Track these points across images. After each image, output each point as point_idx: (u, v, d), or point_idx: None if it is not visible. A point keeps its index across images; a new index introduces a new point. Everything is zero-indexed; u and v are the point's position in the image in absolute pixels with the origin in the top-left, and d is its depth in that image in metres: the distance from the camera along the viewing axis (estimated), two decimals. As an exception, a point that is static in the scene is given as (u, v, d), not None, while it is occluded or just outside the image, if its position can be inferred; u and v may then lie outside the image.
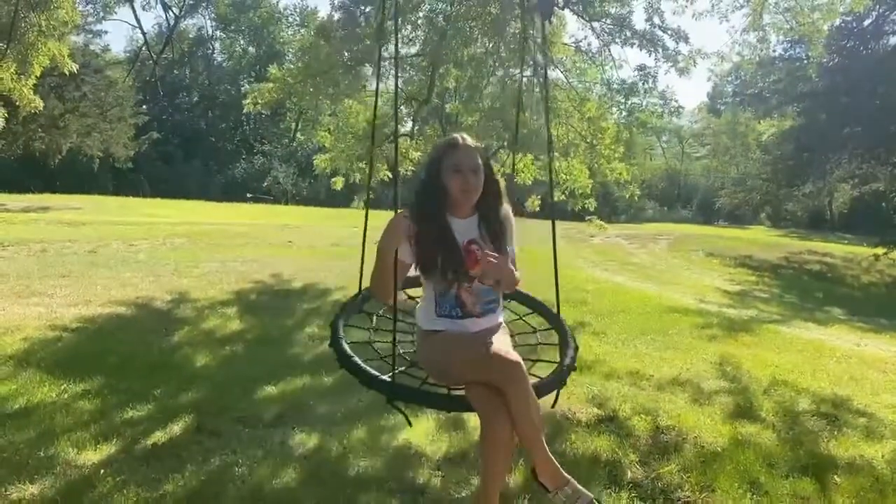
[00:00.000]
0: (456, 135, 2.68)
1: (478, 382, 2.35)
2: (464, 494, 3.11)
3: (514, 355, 2.37)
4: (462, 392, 2.43)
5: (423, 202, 2.62)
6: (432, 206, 2.61)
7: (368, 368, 2.46)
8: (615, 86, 9.96)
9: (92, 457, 3.31)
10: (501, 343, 2.52)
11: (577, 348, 2.71)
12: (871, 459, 3.79)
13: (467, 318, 2.61)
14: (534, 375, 2.58)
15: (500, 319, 2.76)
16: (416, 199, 2.63)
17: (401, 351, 2.76)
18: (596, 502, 2.26)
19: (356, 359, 2.49)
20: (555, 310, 2.98)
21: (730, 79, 40.74)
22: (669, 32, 9.04)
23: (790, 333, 7.90)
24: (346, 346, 2.55)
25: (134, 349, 5.40)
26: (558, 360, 2.69)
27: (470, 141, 2.65)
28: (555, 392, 2.59)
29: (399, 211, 2.53)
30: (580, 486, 2.28)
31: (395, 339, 2.54)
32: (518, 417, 2.26)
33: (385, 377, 2.42)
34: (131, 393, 4.25)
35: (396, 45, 3.17)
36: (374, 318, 2.99)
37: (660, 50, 9.01)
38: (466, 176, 2.56)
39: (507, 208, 2.73)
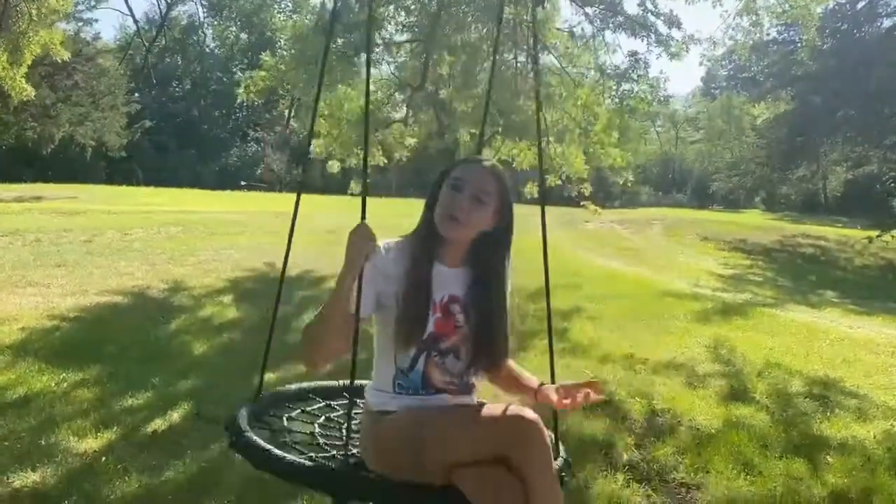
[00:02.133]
0: (482, 157, 2.19)
1: (471, 463, 1.65)
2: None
3: (531, 412, 1.67)
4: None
5: (413, 235, 1.97)
6: (417, 242, 1.94)
7: (297, 459, 1.73)
8: (609, 71, 9.91)
9: (92, 444, 3.34)
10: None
11: (569, 464, 1.99)
12: (862, 439, 3.85)
13: (438, 394, 1.91)
14: None
15: (476, 400, 2.01)
16: (413, 235, 1.98)
17: (321, 442, 1.99)
18: None
19: (277, 451, 1.75)
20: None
21: (724, 62, 40.64)
22: (662, 18, 9.01)
23: (784, 316, 7.96)
24: (253, 438, 1.84)
25: (131, 338, 5.41)
26: None
27: (495, 167, 1.97)
28: None
29: (363, 222, 1.83)
30: None
31: (350, 406, 1.83)
32: (542, 492, 1.61)
33: (329, 465, 1.78)
34: (130, 381, 4.27)
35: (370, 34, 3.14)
36: (284, 413, 2.20)
37: (652, 35, 8.98)
38: (462, 198, 1.85)
39: (507, 272, 1.99)
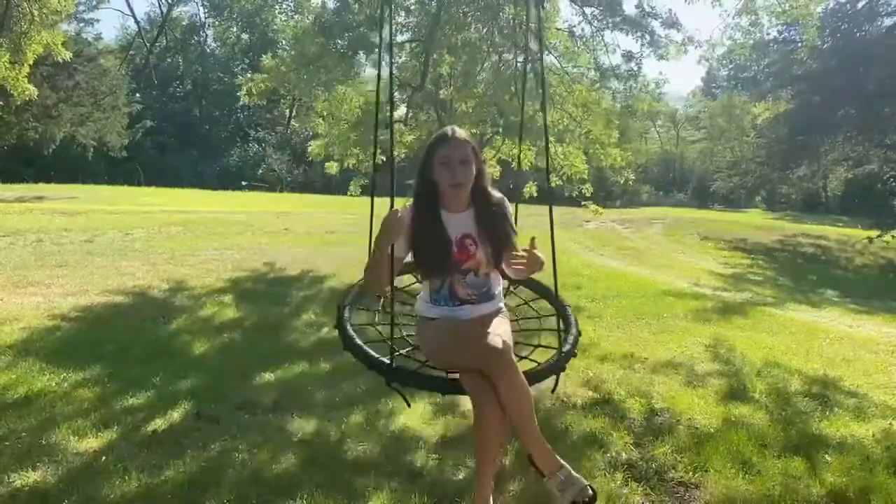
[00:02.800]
0: (447, 128, 2.69)
1: (469, 369, 2.38)
2: (461, 477, 3.16)
3: (500, 342, 2.38)
4: (458, 376, 2.46)
5: (417, 199, 2.65)
6: (424, 202, 2.63)
7: (369, 351, 2.48)
8: (608, 71, 9.93)
9: (93, 444, 3.35)
10: (494, 330, 2.53)
11: (578, 334, 2.71)
12: (861, 438, 3.85)
13: (464, 304, 2.65)
14: (533, 360, 2.62)
15: (500, 305, 2.77)
16: (413, 197, 2.66)
17: (404, 334, 2.83)
18: (589, 489, 2.23)
19: (358, 341, 2.53)
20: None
21: (724, 62, 40.61)
22: (660, 19, 9.02)
23: (784, 316, 7.96)
24: (350, 329, 2.59)
25: (132, 337, 5.43)
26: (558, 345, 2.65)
27: (460, 133, 2.64)
28: (555, 377, 2.55)
29: (395, 209, 2.49)
30: (574, 473, 2.28)
31: (392, 323, 2.55)
32: (507, 404, 2.28)
33: (384, 359, 2.44)
34: (130, 380, 4.28)
35: (391, 29, 3.14)
36: (382, 300, 2.92)
37: (647, 36, 9.00)
38: (454, 169, 2.55)
39: (499, 195, 2.72)
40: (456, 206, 2.64)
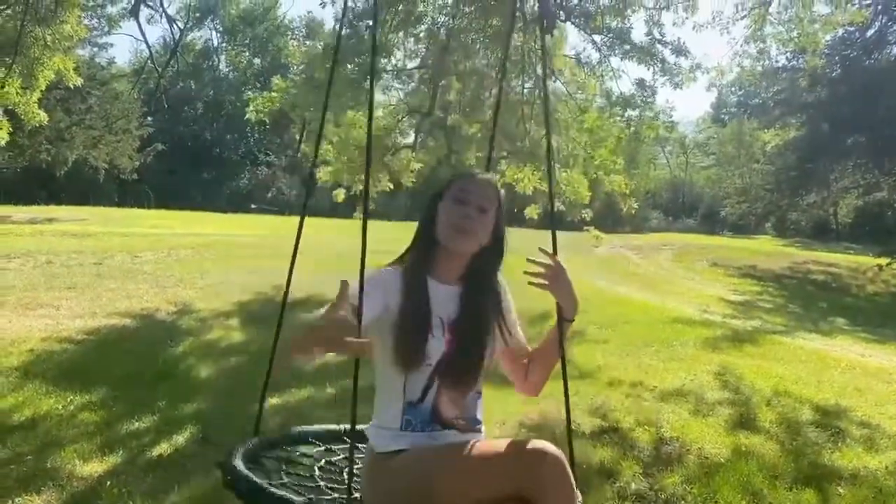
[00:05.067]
0: (477, 170, 2.24)
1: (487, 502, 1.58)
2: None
3: (553, 448, 1.61)
4: None
5: (410, 253, 1.97)
6: (413, 259, 1.93)
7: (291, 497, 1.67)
8: (614, 98, 9.99)
9: (97, 467, 3.33)
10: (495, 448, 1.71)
11: None
12: (874, 470, 3.79)
13: (445, 430, 1.82)
14: None
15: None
16: (409, 256, 1.97)
17: (321, 484, 1.90)
18: None
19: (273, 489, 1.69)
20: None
21: (733, 89, 40.80)
22: (670, 47, 9.09)
23: (794, 344, 7.89)
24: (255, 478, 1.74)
25: (139, 360, 5.42)
26: None
27: (491, 179, 2.00)
28: None
29: (343, 280, 1.76)
30: None
31: (352, 447, 1.73)
32: None
33: None
34: (136, 404, 4.27)
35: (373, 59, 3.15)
36: (282, 454, 2.09)
37: (658, 64, 9.05)
38: (469, 209, 1.85)
39: (503, 281, 2.01)
40: (447, 271, 1.90)
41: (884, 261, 18.04)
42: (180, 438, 3.77)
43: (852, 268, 19.45)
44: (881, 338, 9.44)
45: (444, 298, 1.86)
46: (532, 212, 10.82)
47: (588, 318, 8.32)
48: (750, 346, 7.36)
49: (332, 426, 2.26)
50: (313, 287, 9.67)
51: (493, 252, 1.92)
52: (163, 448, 3.64)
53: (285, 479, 1.86)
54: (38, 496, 3.00)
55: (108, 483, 3.16)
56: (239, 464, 1.79)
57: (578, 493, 1.67)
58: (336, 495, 1.81)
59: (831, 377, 6.13)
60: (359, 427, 1.82)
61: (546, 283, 1.88)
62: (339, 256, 13.96)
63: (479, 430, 1.90)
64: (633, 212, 11.29)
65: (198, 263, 11.54)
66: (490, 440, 1.82)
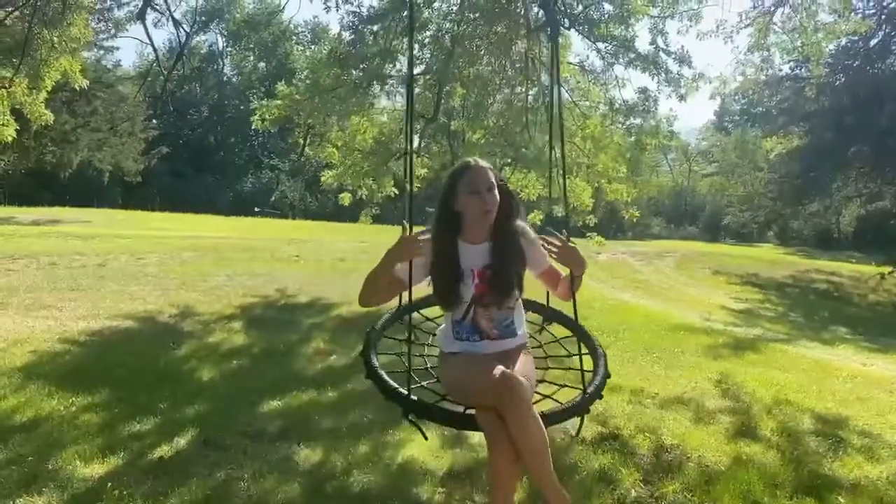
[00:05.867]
0: (467, 159, 2.74)
1: (485, 405, 2.34)
2: (466, 511, 3.12)
3: (514, 377, 2.32)
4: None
5: (436, 229, 2.65)
6: (443, 232, 2.64)
7: (390, 381, 2.46)
8: (617, 106, 10.01)
9: (98, 469, 3.34)
10: (513, 365, 2.50)
11: (607, 375, 2.66)
12: (875, 480, 3.78)
13: (484, 340, 2.65)
14: (555, 400, 2.58)
15: (523, 341, 2.77)
16: (433, 225, 2.67)
17: (428, 365, 2.87)
18: None
19: (380, 371, 2.51)
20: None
21: (737, 97, 40.85)
22: (673, 56, 9.11)
23: (796, 352, 7.88)
24: (375, 358, 2.58)
25: (141, 362, 5.43)
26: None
27: (482, 162, 2.68)
28: (578, 419, 2.50)
29: (419, 233, 2.54)
30: None
31: (409, 355, 2.56)
32: (519, 444, 2.22)
33: (402, 391, 2.42)
34: (138, 406, 4.28)
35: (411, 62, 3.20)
36: (413, 333, 2.88)
37: (662, 73, 9.08)
38: (483, 196, 2.58)
39: (521, 225, 2.73)
40: (476, 236, 2.66)
41: (886, 270, 18.04)
42: (182, 441, 3.77)
43: (854, 277, 19.43)
44: (883, 347, 9.42)
45: (475, 254, 2.65)
46: (535, 218, 10.84)
47: (589, 324, 8.28)
48: (751, 354, 7.35)
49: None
50: (318, 290, 9.71)
51: (504, 209, 2.64)
52: (164, 450, 3.64)
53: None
54: (39, 497, 3.01)
55: (109, 485, 3.16)
56: (373, 337, 2.70)
57: (538, 416, 2.29)
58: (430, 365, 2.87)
59: (833, 386, 6.11)
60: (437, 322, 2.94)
61: (556, 253, 2.61)
62: (340, 260, 14.00)
63: (514, 335, 2.70)
64: (635, 219, 11.31)
65: (200, 266, 11.57)
66: (510, 362, 2.53)
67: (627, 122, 9.90)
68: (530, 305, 3.05)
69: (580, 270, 2.63)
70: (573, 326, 2.95)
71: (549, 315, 3.09)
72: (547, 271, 2.76)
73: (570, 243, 2.62)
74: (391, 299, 2.77)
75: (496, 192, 2.61)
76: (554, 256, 2.63)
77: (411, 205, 2.76)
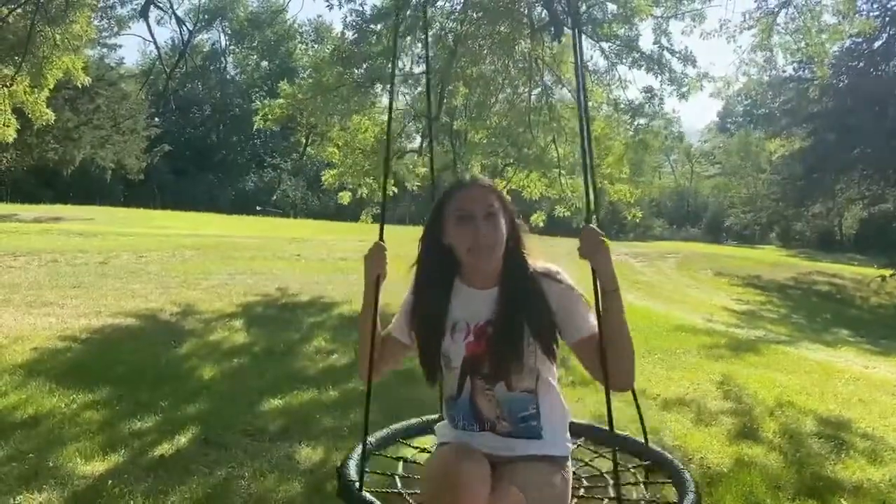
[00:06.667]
0: (465, 175, 2.31)
1: None
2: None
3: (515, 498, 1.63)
4: None
5: (422, 265, 1.95)
6: (431, 270, 1.92)
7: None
8: (622, 106, 10.00)
9: (99, 467, 3.33)
10: (524, 482, 1.67)
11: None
12: (877, 483, 3.77)
13: (486, 432, 1.86)
14: None
15: (553, 452, 1.87)
16: (417, 262, 1.97)
17: None
18: None
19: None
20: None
21: (740, 98, 40.85)
22: (677, 55, 9.10)
23: (798, 354, 7.86)
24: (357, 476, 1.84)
25: (142, 360, 5.43)
26: None
27: (483, 180, 1.96)
28: None
29: (378, 242, 1.94)
30: None
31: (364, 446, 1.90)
32: None
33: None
34: (139, 404, 4.27)
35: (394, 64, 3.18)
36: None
37: (666, 73, 9.07)
38: (477, 224, 1.80)
39: (551, 268, 1.91)
40: (481, 280, 1.88)
41: (888, 272, 17.97)
42: (182, 439, 3.77)
43: (856, 279, 19.39)
44: (885, 349, 9.40)
45: (476, 302, 1.86)
46: (538, 218, 10.83)
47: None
48: (753, 356, 7.34)
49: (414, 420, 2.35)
50: (319, 289, 9.70)
51: (515, 240, 1.89)
52: (165, 448, 3.63)
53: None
54: (39, 494, 3.01)
55: (110, 482, 3.16)
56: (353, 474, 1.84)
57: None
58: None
59: (835, 388, 6.10)
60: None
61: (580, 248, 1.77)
62: (341, 259, 13.99)
63: (536, 436, 1.85)
64: (637, 220, 11.29)
65: (202, 264, 11.56)
66: (520, 476, 1.70)
67: (635, 124, 9.89)
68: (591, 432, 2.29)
69: (607, 280, 1.78)
70: (630, 444, 2.19)
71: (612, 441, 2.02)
72: (584, 343, 1.82)
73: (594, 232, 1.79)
74: (389, 368, 2.01)
75: (500, 219, 1.84)
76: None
77: (385, 196, 2.36)
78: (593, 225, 1.81)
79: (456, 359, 1.84)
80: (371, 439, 2.08)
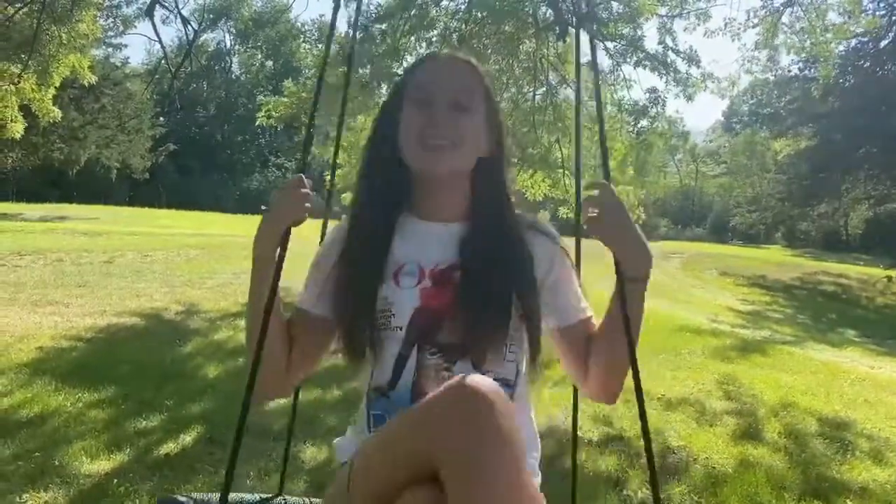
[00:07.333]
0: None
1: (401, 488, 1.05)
2: None
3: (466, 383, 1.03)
4: None
5: (363, 183, 1.39)
6: (374, 189, 1.35)
7: None
8: (626, 107, 9.98)
9: (104, 465, 3.35)
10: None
11: None
12: (883, 484, 3.76)
13: None
14: None
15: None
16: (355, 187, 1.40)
17: None
18: None
19: None
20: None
21: (745, 97, 40.74)
22: (682, 55, 9.07)
23: (803, 355, 7.84)
24: None
25: (147, 359, 5.45)
26: None
27: (462, 56, 1.36)
28: None
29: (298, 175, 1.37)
30: None
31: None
32: None
33: None
34: (144, 403, 4.29)
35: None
36: None
37: (671, 73, 9.04)
38: (435, 113, 1.24)
39: (532, 218, 1.43)
40: (437, 206, 1.33)
41: (893, 272, 17.95)
42: (187, 438, 3.78)
43: (862, 279, 19.34)
44: (890, 350, 9.37)
45: (432, 240, 1.31)
46: (541, 219, 10.82)
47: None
48: (758, 357, 7.32)
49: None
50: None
51: (497, 168, 1.33)
52: (170, 447, 3.64)
53: None
54: (45, 492, 3.02)
55: (115, 481, 3.17)
56: None
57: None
58: None
59: (840, 389, 6.08)
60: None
61: (591, 222, 1.24)
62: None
63: None
64: (641, 220, 11.27)
65: (207, 263, 11.59)
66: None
67: (639, 125, 9.86)
68: None
69: (633, 264, 1.30)
70: None
71: None
72: (569, 330, 1.38)
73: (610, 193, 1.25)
74: (314, 366, 1.51)
75: (474, 118, 1.28)
76: (589, 222, 1.25)
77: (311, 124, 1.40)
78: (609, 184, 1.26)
79: (401, 314, 1.24)
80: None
